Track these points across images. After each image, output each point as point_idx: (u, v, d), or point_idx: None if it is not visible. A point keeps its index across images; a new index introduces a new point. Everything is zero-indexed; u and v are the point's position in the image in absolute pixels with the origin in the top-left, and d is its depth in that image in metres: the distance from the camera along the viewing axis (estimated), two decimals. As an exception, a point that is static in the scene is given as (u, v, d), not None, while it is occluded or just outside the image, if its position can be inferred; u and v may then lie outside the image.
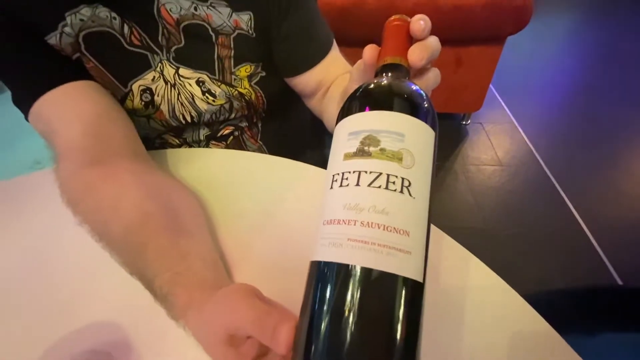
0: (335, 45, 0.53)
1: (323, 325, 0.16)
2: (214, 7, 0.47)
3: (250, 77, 0.53)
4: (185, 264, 0.29)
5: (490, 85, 2.15)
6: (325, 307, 0.17)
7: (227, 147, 0.60)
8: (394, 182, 0.18)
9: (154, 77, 0.49)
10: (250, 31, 0.49)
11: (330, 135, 0.84)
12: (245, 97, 0.54)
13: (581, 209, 1.40)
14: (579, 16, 3.63)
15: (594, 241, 1.29)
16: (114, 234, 0.32)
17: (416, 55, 0.25)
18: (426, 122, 0.20)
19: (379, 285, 0.16)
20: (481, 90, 1.72)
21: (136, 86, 0.49)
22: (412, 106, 0.21)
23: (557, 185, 1.52)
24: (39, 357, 0.29)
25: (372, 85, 0.23)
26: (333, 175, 0.20)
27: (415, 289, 0.17)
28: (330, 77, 0.52)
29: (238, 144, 0.60)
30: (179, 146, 0.59)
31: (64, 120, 0.40)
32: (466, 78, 1.63)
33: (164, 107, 0.51)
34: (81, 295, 0.34)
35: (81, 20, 0.43)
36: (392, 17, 0.27)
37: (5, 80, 0.43)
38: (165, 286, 0.27)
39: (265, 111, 0.59)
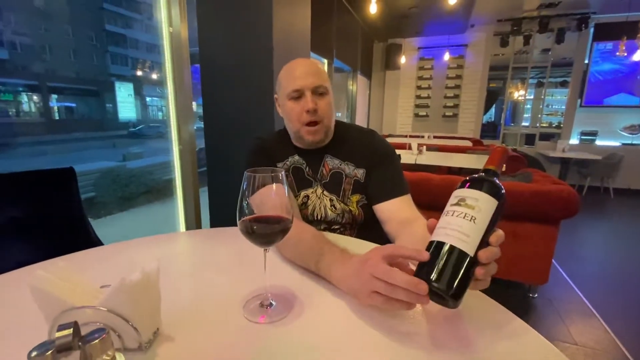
0: (408, 195, 0.89)
1: (433, 261, 0.43)
2: (347, 164, 0.92)
3: (357, 202, 0.93)
4: (343, 250, 0.60)
5: (559, 268, 2.24)
6: (433, 254, 0.44)
7: (334, 238, 0.95)
8: (466, 216, 0.42)
9: (312, 191, 0.93)
10: (362, 179, 0.92)
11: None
12: (352, 213, 0.92)
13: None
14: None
15: None
16: (306, 238, 0.65)
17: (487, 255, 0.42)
18: (492, 196, 0.43)
19: (448, 248, 0.43)
20: (543, 264, 1.85)
21: (302, 193, 0.93)
22: (485, 187, 0.44)
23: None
24: (241, 299, 0.54)
25: (474, 176, 0.47)
26: (445, 211, 0.45)
27: (462, 254, 0.41)
28: (400, 214, 0.84)
29: (340, 239, 0.95)
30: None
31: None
32: (524, 250, 1.82)
33: (310, 208, 0.92)
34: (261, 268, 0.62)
35: (293, 159, 0.94)
36: (496, 146, 0.53)
37: None
38: (336, 252, 0.58)
39: (361, 224, 0.95)
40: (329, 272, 0.58)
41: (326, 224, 0.94)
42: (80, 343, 0.31)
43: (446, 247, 0.43)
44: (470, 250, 0.42)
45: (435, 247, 0.44)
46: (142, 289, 0.41)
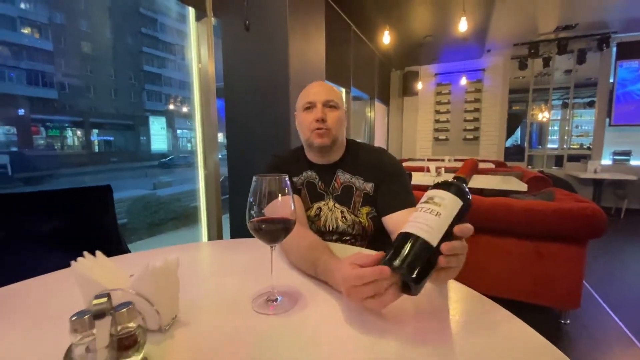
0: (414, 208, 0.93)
1: (401, 249, 0.48)
2: (357, 178, 0.98)
3: (367, 214, 0.97)
4: (334, 256, 0.64)
5: (594, 292, 2.10)
6: (399, 242, 0.49)
7: (344, 248, 0.98)
8: (432, 211, 0.49)
9: (324, 204, 0.99)
10: (371, 192, 0.97)
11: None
12: (362, 224, 0.96)
13: None
14: None
15: None
16: (304, 245, 0.71)
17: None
18: (458, 196, 0.49)
19: (414, 238, 0.47)
20: (573, 288, 1.74)
21: (315, 205, 0.99)
22: (452, 189, 0.50)
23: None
24: (251, 295, 0.59)
25: (444, 180, 0.53)
26: (417, 207, 0.53)
27: (424, 243, 0.46)
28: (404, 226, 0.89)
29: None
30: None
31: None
32: (550, 271, 1.74)
33: (322, 219, 0.97)
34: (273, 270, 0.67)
35: (307, 174, 1.01)
36: (468, 159, 0.58)
37: None
38: (327, 258, 0.63)
39: (371, 235, 0.98)
40: (328, 277, 0.62)
41: (338, 235, 0.98)
42: (112, 311, 0.38)
43: (411, 237, 0.47)
44: (432, 240, 0.46)
45: (402, 238, 0.48)
46: (164, 275, 0.48)
